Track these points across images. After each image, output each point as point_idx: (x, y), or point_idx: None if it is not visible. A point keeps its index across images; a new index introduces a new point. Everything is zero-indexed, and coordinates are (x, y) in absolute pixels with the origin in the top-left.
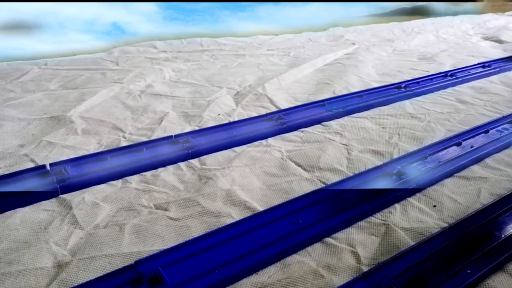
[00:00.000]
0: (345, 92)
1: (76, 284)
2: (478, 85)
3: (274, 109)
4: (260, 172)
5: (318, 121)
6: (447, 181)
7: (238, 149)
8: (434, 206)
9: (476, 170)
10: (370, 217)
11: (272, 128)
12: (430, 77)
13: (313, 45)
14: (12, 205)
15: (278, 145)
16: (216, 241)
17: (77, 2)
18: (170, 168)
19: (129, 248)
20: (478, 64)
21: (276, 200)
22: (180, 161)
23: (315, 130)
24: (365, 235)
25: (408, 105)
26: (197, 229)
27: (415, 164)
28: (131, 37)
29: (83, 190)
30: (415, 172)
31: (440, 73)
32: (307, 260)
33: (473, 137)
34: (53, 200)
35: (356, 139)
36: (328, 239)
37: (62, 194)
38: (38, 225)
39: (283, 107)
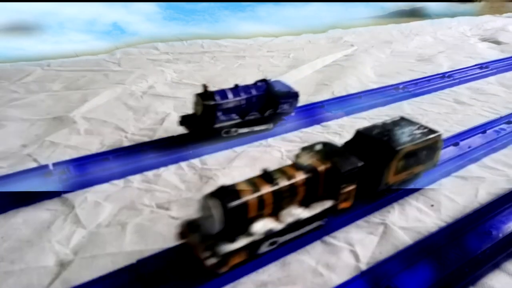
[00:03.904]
0: (344, 93)
1: (78, 283)
2: (476, 86)
3: None
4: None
5: (318, 122)
6: (445, 180)
7: (238, 149)
8: (432, 205)
9: (473, 170)
10: (369, 216)
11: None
12: (428, 78)
13: (313, 47)
14: (15, 204)
15: (278, 145)
16: None
17: (77, 2)
18: (172, 168)
19: (131, 247)
20: (476, 65)
21: None
22: (181, 161)
23: (314, 131)
24: (363, 234)
25: (406, 105)
26: None
27: None
28: (132, 39)
29: (86, 189)
30: None
31: (437, 74)
32: (306, 258)
33: (470, 137)
34: (56, 199)
35: None
36: (327, 238)
37: (64, 193)
38: (41, 224)
39: None
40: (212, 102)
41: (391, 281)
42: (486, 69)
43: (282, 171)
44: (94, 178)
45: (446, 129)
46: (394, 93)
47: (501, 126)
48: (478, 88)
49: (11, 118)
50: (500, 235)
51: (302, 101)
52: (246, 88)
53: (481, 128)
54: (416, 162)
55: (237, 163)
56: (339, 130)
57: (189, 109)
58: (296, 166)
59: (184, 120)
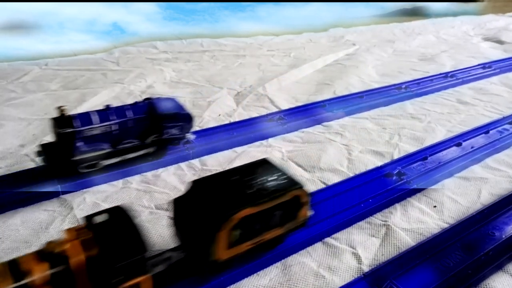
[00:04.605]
0: (346, 93)
1: None
2: (479, 86)
3: (274, 109)
4: None
5: (319, 122)
6: (448, 181)
7: (238, 149)
8: (435, 206)
9: (476, 170)
10: (371, 217)
11: (272, 129)
12: (430, 78)
13: (314, 46)
14: (13, 205)
15: (279, 145)
16: None
17: (77, 2)
18: (171, 168)
19: None
20: (479, 65)
21: None
22: (181, 162)
23: (315, 131)
24: (365, 235)
25: (408, 105)
26: None
27: (415, 164)
28: (131, 38)
29: (84, 190)
30: (416, 172)
31: (440, 74)
32: (308, 260)
33: (473, 137)
34: (54, 200)
35: (356, 140)
36: (328, 239)
37: (63, 194)
38: (39, 225)
39: (283, 108)
40: (68, 130)
41: (393, 283)
42: (489, 69)
43: (13, 264)
44: (92, 179)
45: (448, 129)
46: (397, 93)
47: (504, 126)
48: (481, 88)
49: (9, 117)
50: (503, 236)
51: (303, 100)
52: (120, 110)
53: (484, 128)
54: (267, 227)
55: (237, 163)
56: (341, 130)
57: (188, 109)
58: (41, 255)
59: (44, 150)
